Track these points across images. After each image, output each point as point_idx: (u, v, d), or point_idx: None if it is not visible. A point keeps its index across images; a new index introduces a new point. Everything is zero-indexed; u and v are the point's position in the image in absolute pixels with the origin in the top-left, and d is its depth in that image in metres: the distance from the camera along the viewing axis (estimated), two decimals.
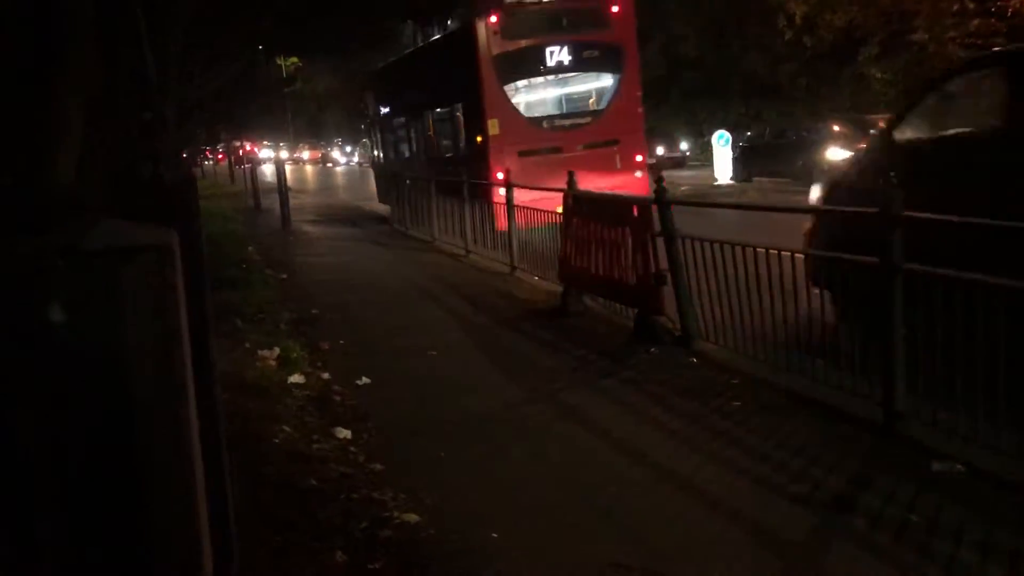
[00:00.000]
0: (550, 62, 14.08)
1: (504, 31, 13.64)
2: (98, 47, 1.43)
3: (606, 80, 14.65)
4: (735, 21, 31.91)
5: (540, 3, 14.25)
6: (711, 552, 3.50)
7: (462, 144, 15.26)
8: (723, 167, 19.94)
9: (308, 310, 8.90)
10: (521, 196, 10.43)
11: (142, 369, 0.88)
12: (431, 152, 17.13)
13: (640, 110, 14.67)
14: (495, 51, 13.61)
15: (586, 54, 14.21)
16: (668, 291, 6.57)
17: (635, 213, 6.94)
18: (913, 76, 27.17)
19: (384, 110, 20.22)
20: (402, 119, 18.91)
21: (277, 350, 6.66)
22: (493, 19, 13.51)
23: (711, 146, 22.28)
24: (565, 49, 14.02)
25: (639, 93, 14.55)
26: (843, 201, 6.02)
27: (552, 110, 15.30)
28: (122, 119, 1.70)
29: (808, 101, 29.43)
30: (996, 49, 9.33)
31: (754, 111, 32.12)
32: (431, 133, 17.33)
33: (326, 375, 6.34)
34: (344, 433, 5.03)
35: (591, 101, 15.20)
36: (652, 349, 6.52)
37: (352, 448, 4.85)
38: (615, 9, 13.97)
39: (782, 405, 5.10)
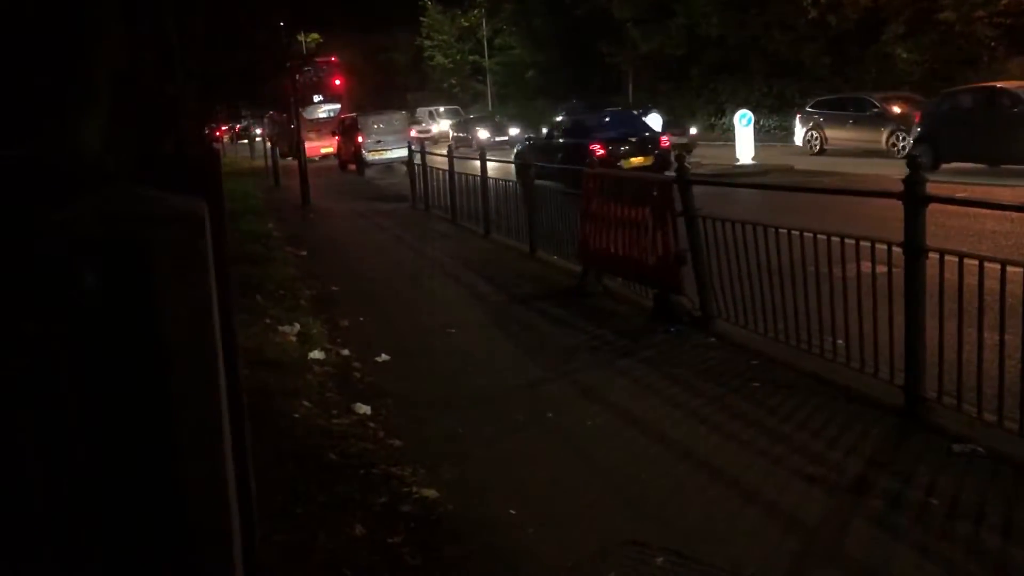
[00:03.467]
0: None
1: None
2: (122, 20, 1.43)
3: None
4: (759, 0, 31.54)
5: None
6: (729, 531, 3.51)
7: None
8: (745, 147, 19.73)
9: (328, 287, 8.94)
10: None
11: (175, 337, 0.89)
12: None
13: None
14: None
15: None
16: (687, 271, 6.55)
17: (656, 192, 6.90)
18: (939, 55, 26.82)
19: None
20: None
21: (297, 326, 6.71)
22: None
23: (733, 125, 22.04)
24: None
25: None
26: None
27: None
28: (146, 92, 1.70)
29: (831, 81, 29.06)
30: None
31: (777, 90, 31.77)
32: None
33: (346, 351, 6.38)
34: (364, 409, 5.06)
35: None
36: (671, 329, 6.51)
37: (371, 424, 4.88)
38: None
39: (802, 386, 5.08)
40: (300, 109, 24.54)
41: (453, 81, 58.39)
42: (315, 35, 34.26)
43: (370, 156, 26.20)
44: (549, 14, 47.06)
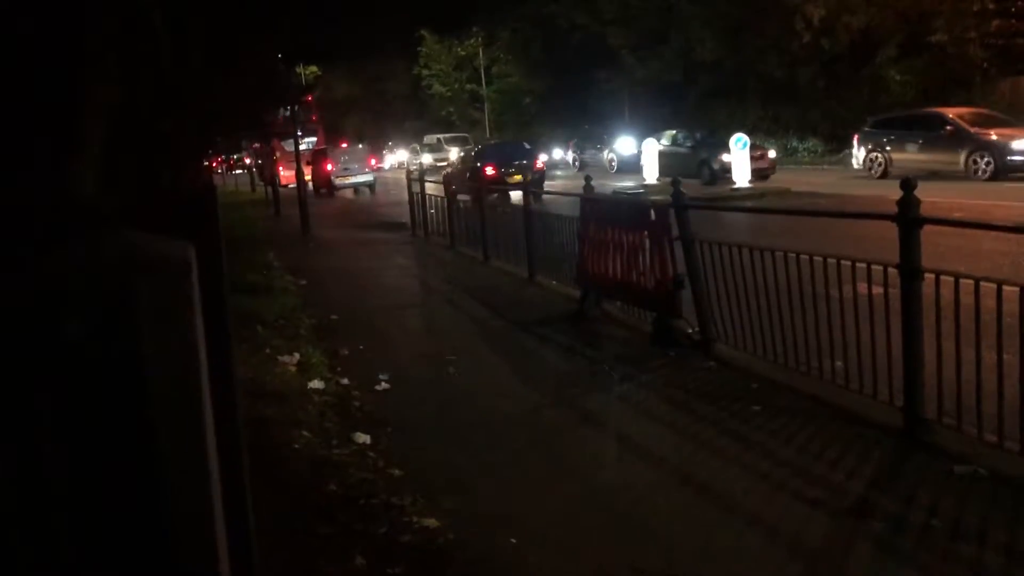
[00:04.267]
0: None
1: None
2: (119, 56, 1.45)
3: None
4: (752, 24, 31.83)
5: None
6: (731, 557, 3.49)
7: None
8: (741, 170, 19.81)
9: (328, 315, 8.95)
10: None
11: (158, 385, 0.90)
12: None
13: None
14: None
15: None
16: (686, 295, 6.56)
17: (653, 216, 6.93)
18: (932, 77, 27.01)
19: None
20: None
21: (297, 356, 6.71)
22: None
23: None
24: None
25: None
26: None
27: None
28: (142, 129, 1.72)
29: (826, 103, 29.26)
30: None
31: (773, 113, 31.98)
32: None
33: (345, 380, 6.37)
34: (363, 438, 5.05)
35: None
36: (671, 353, 6.51)
37: (371, 453, 4.87)
38: None
39: (802, 409, 5.08)
40: (280, 142, 30.97)
41: (451, 109, 58.81)
42: (314, 68, 35.60)
43: (338, 181, 31.23)
44: (545, 42, 47.48)
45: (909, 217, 4.45)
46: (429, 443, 5.08)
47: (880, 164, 21.02)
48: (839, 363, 5.08)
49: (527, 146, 26.19)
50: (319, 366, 6.58)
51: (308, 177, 32.03)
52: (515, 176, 21.91)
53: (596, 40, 40.27)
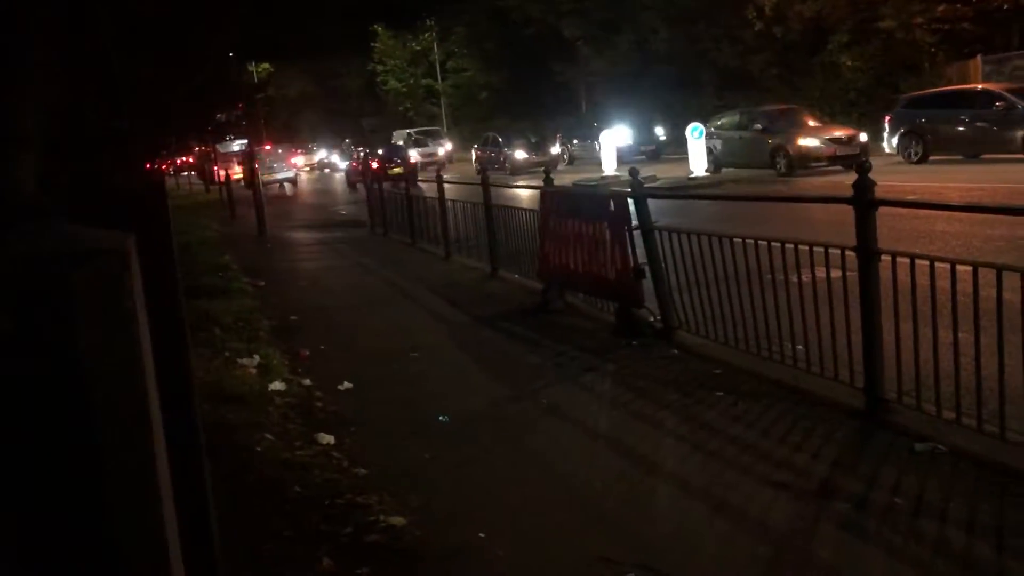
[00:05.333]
0: None
1: None
2: (61, 53, 1.40)
3: None
4: (706, 13, 32.09)
5: None
6: (699, 543, 3.50)
7: None
8: (698, 159, 19.96)
9: (287, 316, 8.85)
10: None
11: (97, 380, 0.86)
12: None
13: None
14: None
15: None
16: (648, 284, 6.58)
17: (611, 207, 6.94)
18: (882, 62, 27.46)
19: None
20: None
21: (257, 358, 6.61)
22: None
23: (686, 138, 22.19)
24: None
25: None
26: None
27: None
28: (88, 127, 1.67)
29: (780, 91, 29.60)
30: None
31: (728, 102, 32.27)
32: None
33: (307, 381, 6.30)
34: (327, 439, 5.00)
35: None
36: (634, 343, 6.53)
37: (336, 453, 4.81)
38: None
39: (765, 393, 5.12)
40: (217, 145, 38.19)
41: (408, 105, 58.51)
42: (266, 64, 36.16)
43: (264, 177, 34.32)
44: (500, 36, 47.42)
45: (864, 200, 4.51)
46: (394, 441, 5.04)
47: (919, 147, 18.84)
48: (800, 347, 5.13)
49: (400, 144, 37.81)
50: (280, 368, 6.49)
51: (240, 177, 36.29)
52: (395, 169, 29.98)
53: (551, 33, 40.31)
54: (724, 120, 22.50)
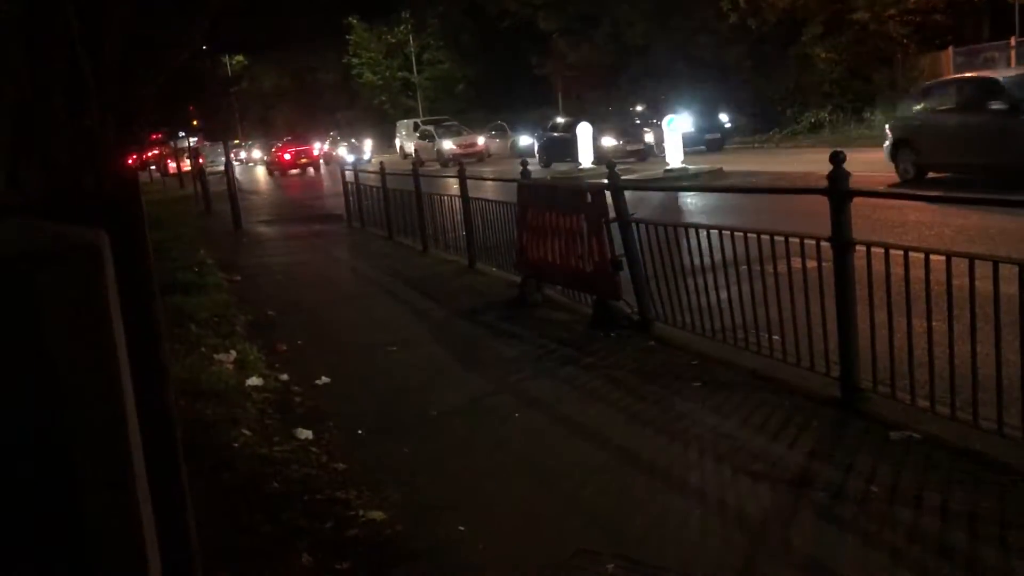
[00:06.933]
0: None
1: None
2: (25, 48, 1.38)
3: None
4: (681, 6, 32.14)
5: None
6: (678, 533, 3.52)
7: None
8: (674, 152, 19.99)
9: (264, 311, 8.79)
10: None
11: (68, 376, 0.84)
12: None
13: None
14: None
15: None
16: (625, 276, 6.60)
17: (589, 200, 6.95)
18: (856, 54, 27.65)
19: None
20: None
21: (234, 353, 6.57)
22: None
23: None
24: None
25: None
26: None
27: None
28: (56, 123, 1.65)
29: (755, 82, 29.74)
30: None
31: (703, 95, 32.37)
32: None
33: (285, 376, 6.26)
34: (305, 434, 4.97)
35: None
36: (612, 335, 6.55)
37: (314, 448, 4.79)
38: None
39: (742, 384, 5.16)
40: (171, 141, 39.44)
41: (383, 98, 58.20)
42: (240, 57, 35.42)
43: (209, 169, 36.46)
44: (475, 28, 47.27)
45: (839, 191, 4.54)
46: (373, 436, 5.02)
47: None
48: (776, 337, 5.17)
49: (309, 139, 46.15)
50: (257, 363, 6.45)
51: (189, 168, 37.69)
52: (302, 160, 41.22)
53: (527, 25, 40.24)
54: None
